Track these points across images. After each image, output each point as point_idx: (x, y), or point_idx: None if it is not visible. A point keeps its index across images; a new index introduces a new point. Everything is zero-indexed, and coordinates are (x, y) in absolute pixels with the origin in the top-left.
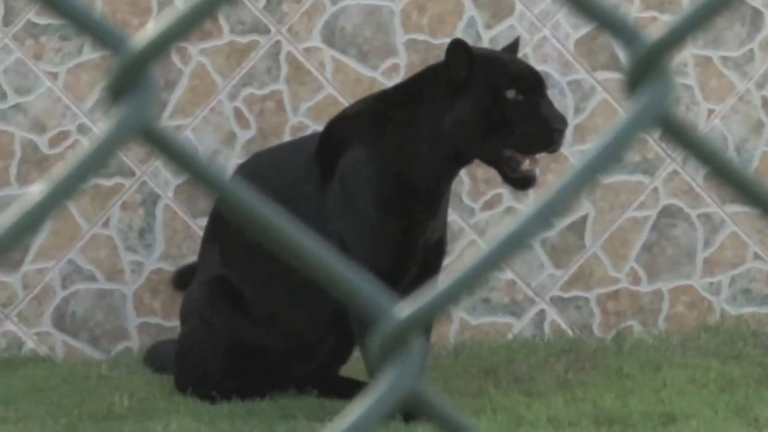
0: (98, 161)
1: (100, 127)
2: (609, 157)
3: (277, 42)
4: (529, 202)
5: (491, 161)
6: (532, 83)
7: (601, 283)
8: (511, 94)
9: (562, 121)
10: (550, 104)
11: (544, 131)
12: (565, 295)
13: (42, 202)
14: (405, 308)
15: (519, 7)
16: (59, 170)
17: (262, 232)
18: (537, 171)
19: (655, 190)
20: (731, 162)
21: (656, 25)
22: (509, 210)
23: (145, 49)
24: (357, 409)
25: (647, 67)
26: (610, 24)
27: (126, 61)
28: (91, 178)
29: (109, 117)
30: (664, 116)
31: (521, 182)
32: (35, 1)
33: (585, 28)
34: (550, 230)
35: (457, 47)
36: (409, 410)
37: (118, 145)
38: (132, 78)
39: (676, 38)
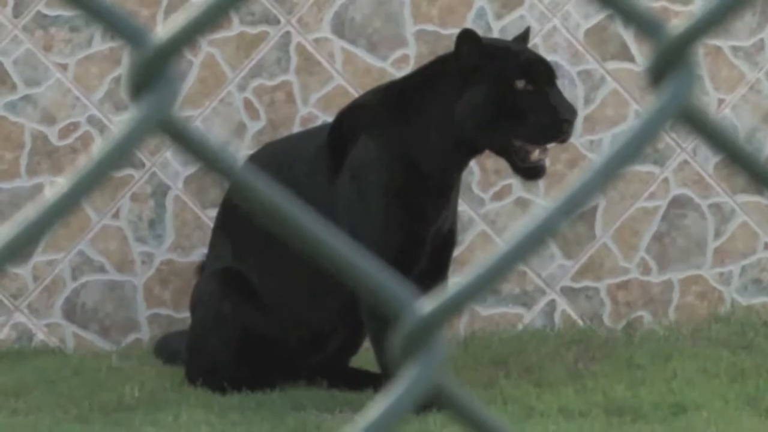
0: (120, 156)
1: (115, 119)
2: (634, 150)
3: (287, 33)
4: (555, 195)
5: (500, 151)
6: (542, 73)
7: (612, 273)
8: (520, 84)
9: (572, 112)
10: (559, 94)
11: (554, 121)
12: (576, 286)
13: (65, 197)
14: (428, 303)
15: None
16: (81, 165)
17: (285, 228)
18: (546, 161)
19: (666, 180)
20: (756, 154)
21: (665, 14)
22: (519, 200)
23: (167, 44)
24: (381, 403)
25: (671, 59)
26: (634, 16)
27: (147, 56)
28: (112, 172)
29: (130, 111)
30: (689, 108)
31: (530, 172)
32: None
33: (595, 18)
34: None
35: (467, 37)
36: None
37: (139, 139)
38: (153, 73)
39: (700, 30)
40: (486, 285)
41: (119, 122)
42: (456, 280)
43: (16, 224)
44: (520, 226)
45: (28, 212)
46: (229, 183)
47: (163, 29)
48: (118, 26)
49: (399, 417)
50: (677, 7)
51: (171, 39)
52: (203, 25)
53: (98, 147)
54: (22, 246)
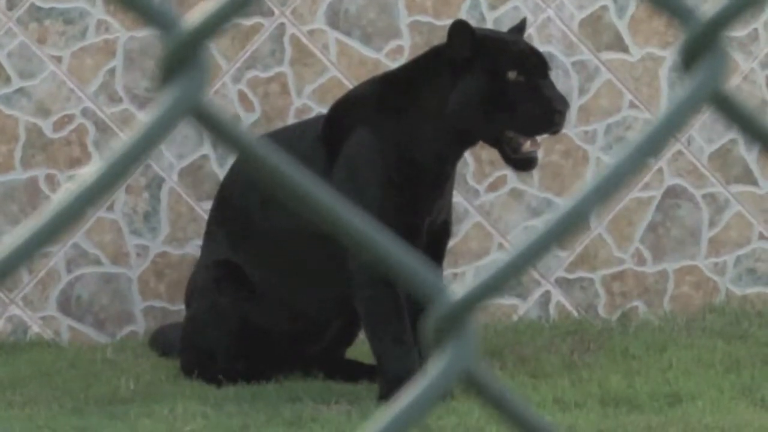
0: (152, 141)
1: (109, 111)
2: (666, 134)
3: (281, 24)
4: (588, 179)
5: (493, 142)
6: (534, 64)
7: (606, 264)
8: (512, 75)
9: (564, 103)
10: (551, 85)
11: (545, 113)
12: (570, 276)
13: (97, 182)
14: (459, 289)
15: None
16: (114, 150)
17: (321, 217)
18: (538, 152)
19: (660, 170)
20: None
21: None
22: (514, 191)
23: (197, 29)
24: (414, 389)
25: (702, 45)
26: (666, 2)
27: (178, 42)
28: (145, 158)
29: (160, 97)
30: (719, 93)
31: (522, 163)
32: None
33: (589, 9)
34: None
35: (460, 28)
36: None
37: (170, 126)
38: (184, 58)
39: (730, 15)
40: (518, 270)
41: (150, 108)
42: (488, 265)
43: (51, 208)
44: (554, 210)
45: (63, 196)
46: (262, 173)
47: (193, 15)
48: (148, 12)
49: (432, 402)
50: None
51: (201, 24)
52: (233, 10)
53: (130, 132)
54: (59, 230)
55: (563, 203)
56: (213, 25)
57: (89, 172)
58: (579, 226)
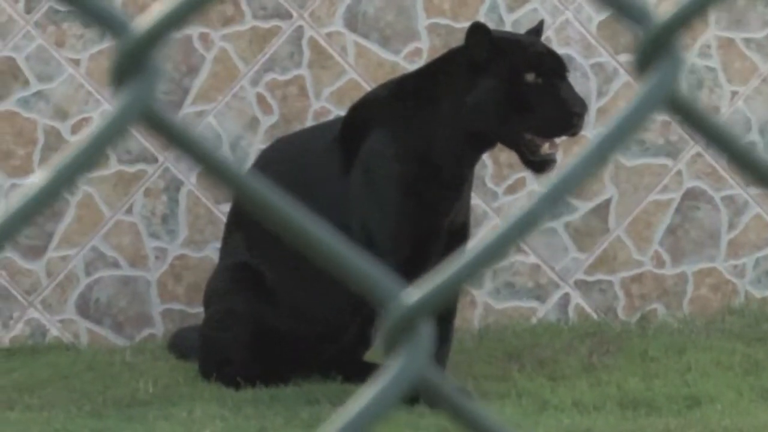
0: (101, 147)
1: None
2: (619, 138)
3: (299, 27)
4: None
5: (511, 144)
6: (552, 66)
7: (625, 266)
8: (530, 77)
9: (581, 105)
10: (569, 87)
11: (563, 115)
12: (589, 279)
13: (44, 190)
14: (414, 293)
15: None
16: (62, 157)
17: (269, 218)
18: (557, 155)
19: (679, 172)
20: (739, 141)
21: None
22: (532, 194)
23: (148, 34)
24: (366, 394)
25: (657, 48)
26: (619, 4)
27: (128, 46)
28: (94, 164)
29: (113, 102)
30: (674, 97)
31: (540, 166)
32: None
33: (607, 11)
34: (558, 211)
35: (477, 30)
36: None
37: (121, 130)
38: (135, 63)
39: (685, 18)
40: (472, 273)
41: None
42: (440, 269)
43: (0, 215)
44: (510, 213)
45: (9, 204)
46: (220, 178)
47: (144, 18)
48: (98, 15)
49: (384, 409)
50: None
51: (152, 28)
52: (185, 14)
53: (81, 137)
54: (7, 236)
55: (516, 208)
56: (164, 29)
57: (39, 177)
58: (532, 230)
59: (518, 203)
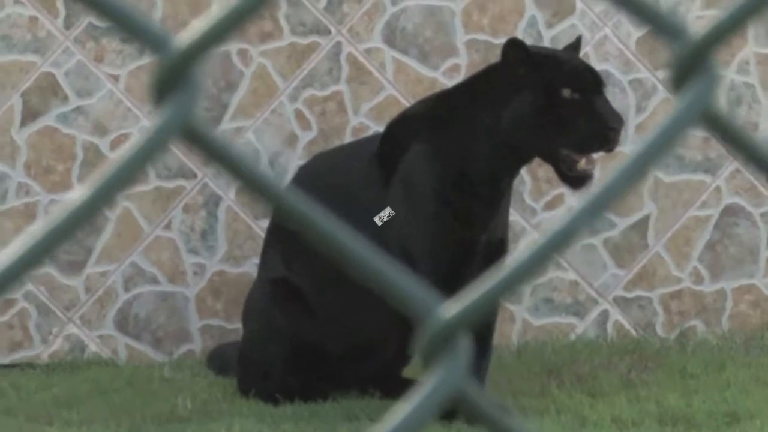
0: (140, 163)
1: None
2: (655, 154)
3: (338, 43)
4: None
5: (548, 160)
6: (589, 81)
7: (664, 282)
8: (567, 92)
9: (618, 120)
10: (606, 103)
11: (600, 130)
12: (628, 295)
13: (83, 206)
14: (452, 307)
15: (580, 5)
16: (101, 172)
17: (301, 228)
18: (594, 170)
19: (718, 188)
20: None
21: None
22: (570, 209)
23: (188, 50)
24: (403, 409)
25: (693, 64)
26: (655, 20)
27: (169, 62)
28: (134, 180)
29: (153, 118)
30: (710, 113)
31: (577, 181)
32: (76, 1)
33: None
34: (595, 226)
35: (514, 46)
36: (450, 410)
37: (161, 146)
38: (175, 78)
39: (721, 34)
40: (509, 288)
41: (141, 129)
42: (478, 283)
43: (40, 230)
44: (546, 227)
45: (48, 219)
46: (257, 193)
47: (185, 34)
48: (139, 31)
49: (421, 424)
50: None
51: (193, 44)
52: (225, 30)
53: (120, 153)
54: (46, 251)
55: (553, 222)
56: (205, 45)
57: (78, 193)
58: (569, 245)
59: (556, 219)
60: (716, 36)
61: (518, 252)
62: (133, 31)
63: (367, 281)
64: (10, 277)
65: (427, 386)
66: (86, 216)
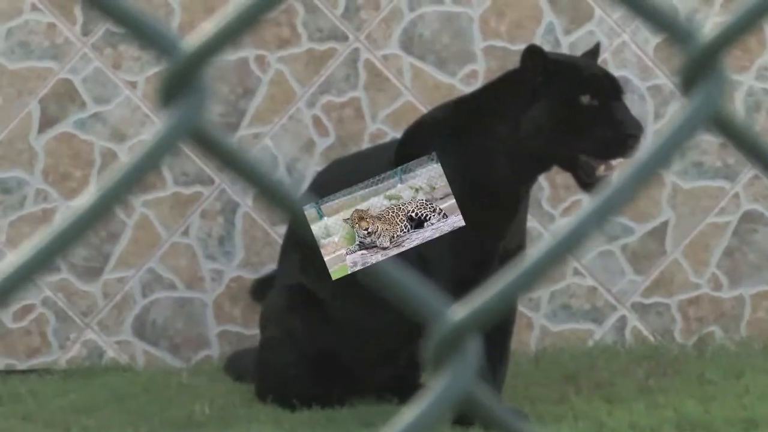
0: (149, 166)
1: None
2: (664, 157)
3: (356, 49)
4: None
5: (567, 166)
6: (608, 88)
7: (683, 288)
8: (585, 99)
9: (638, 127)
10: (625, 109)
11: (619, 137)
12: (646, 301)
13: (93, 208)
14: (461, 309)
15: (598, 12)
16: (110, 176)
17: (305, 232)
18: (613, 177)
19: (736, 195)
20: None
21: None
22: (579, 211)
23: (197, 53)
24: (411, 412)
25: (701, 67)
26: (664, 24)
27: (177, 65)
28: (142, 183)
29: (161, 120)
30: (719, 116)
31: (596, 188)
32: (86, 2)
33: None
34: (604, 228)
35: (532, 52)
36: (463, 414)
37: (168, 150)
38: (183, 82)
39: (730, 38)
40: (518, 290)
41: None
42: (486, 285)
43: (48, 232)
44: (555, 230)
45: (60, 220)
46: (261, 189)
47: (193, 37)
48: (148, 34)
49: (428, 428)
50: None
51: (201, 47)
52: (234, 33)
53: (129, 155)
54: (56, 254)
55: (562, 225)
56: (213, 48)
57: (87, 196)
58: (579, 246)
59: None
60: (726, 39)
61: (528, 255)
62: (143, 33)
63: (376, 285)
64: (21, 279)
65: (435, 389)
66: (95, 219)
